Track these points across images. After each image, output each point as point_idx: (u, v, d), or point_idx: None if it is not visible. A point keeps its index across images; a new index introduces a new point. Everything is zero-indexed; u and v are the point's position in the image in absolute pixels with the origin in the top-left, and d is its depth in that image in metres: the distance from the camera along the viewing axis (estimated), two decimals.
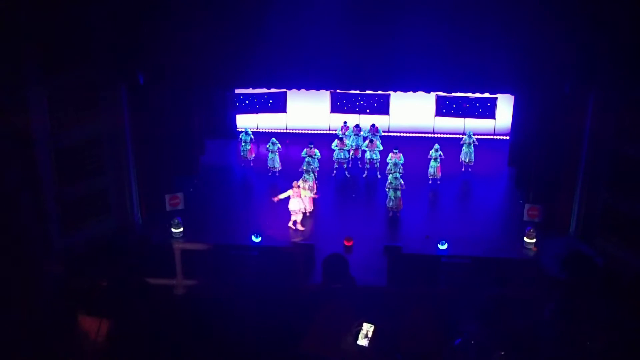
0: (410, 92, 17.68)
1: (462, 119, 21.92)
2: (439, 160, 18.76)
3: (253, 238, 15.46)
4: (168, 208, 17.06)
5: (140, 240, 15.22)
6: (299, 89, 18.50)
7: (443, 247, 15.29)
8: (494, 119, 21.89)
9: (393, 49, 14.93)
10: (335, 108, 22.46)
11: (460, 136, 20.35)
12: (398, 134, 21.96)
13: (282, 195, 16.39)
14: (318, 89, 18.86)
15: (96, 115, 15.33)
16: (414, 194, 17.85)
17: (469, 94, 19.39)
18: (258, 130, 21.87)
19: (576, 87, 14.87)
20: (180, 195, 17.35)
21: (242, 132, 20.47)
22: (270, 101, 22.39)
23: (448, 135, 21.51)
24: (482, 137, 20.87)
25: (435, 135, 21.67)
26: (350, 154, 19.84)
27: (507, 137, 20.87)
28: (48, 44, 13.87)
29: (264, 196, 18.42)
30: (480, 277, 12.65)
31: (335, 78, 15.84)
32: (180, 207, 17.16)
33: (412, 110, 21.96)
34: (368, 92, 21.02)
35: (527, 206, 16.75)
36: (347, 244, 15.59)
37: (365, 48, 15.03)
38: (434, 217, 17.77)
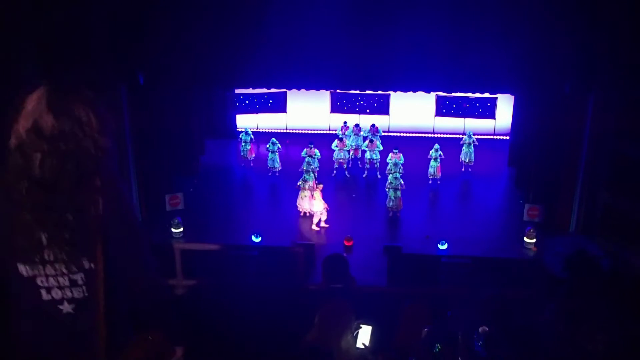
0: (410, 92, 17.68)
1: (462, 119, 21.93)
2: (439, 160, 18.75)
3: (253, 238, 15.45)
4: (168, 208, 17.05)
5: None
6: (299, 89, 18.50)
7: (443, 247, 15.28)
8: (494, 119, 21.89)
9: (393, 49, 14.93)
10: (335, 108, 22.46)
11: (460, 136, 20.34)
12: (398, 134, 21.96)
13: (301, 199, 16.57)
14: (318, 89, 18.85)
15: None
16: (414, 194, 17.85)
17: (469, 94, 19.39)
18: (258, 130, 21.87)
19: (576, 87, 14.86)
20: (180, 195, 17.34)
21: (242, 132, 20.47)
22: (270, 101, 22.39)
23: (448, 135, 21.51)
24: (482, 137, 20.87)
25: (435, 135, 21.67)
26: (350, 154, 19.83)
27: (507, 137, 20.87)
28: (48, 44, 13.85)
29: (264, 196, 18.41)
30: (480, 277, 12.64)
31: (335, 78, 15.84)
32: (180, 207, 17.16)
33: (412, 110, 21.96)
34: (368, 92, 21.02)
35: (527, 206, 16.74)
36: (347, 244, 15.58)
37: (365, 48, 15.03)
38: (434, 217, 17.77)
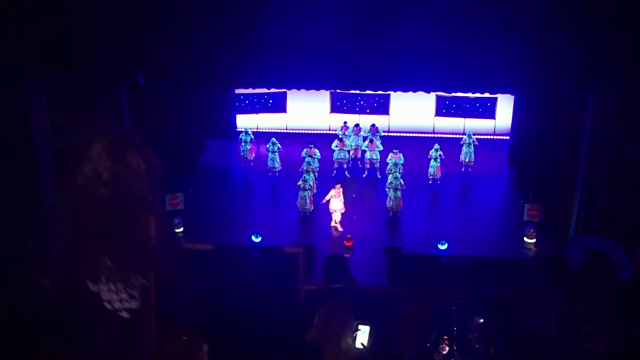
0: (410, 92, 17.67)
1: (462, 119, 21.93)
2: (439, 160, 18.76)
3: (253, 238, 15.46)
4: (168, 208, 17.05)
5: None
6: (299, 89, 18.49)
7: (443, 247, 15.29)
8: (494, 119, 21.90)
9: (393, 49, 14.92)
10: (335, 108, 22.46)
11: (460, 136, 20.35)
12: (398, 134, 21.97)
13: (328, 197, 16.56)
14: (318, 89, 18.86)
15: (96, 115, 15.31)
16: (414, 194, 17.86)
17: (469, 94, 19.39)
18: (258, 130, 21.88)
19: (576, 87, 14.86)
20: (180, 195, 17.34)
21: (242, 132, 20.47)
22: (270, 101, 22.40)
23: (448, 135, 21.52)
24: (482, 137, 20.88)
25: (435, 135, 21.68)
26: (350, 154, 19.83)
27: (507, 137, 20.88)
28: (48, 44, 13.85)
29: (264, 196, 18.41)
30: (480, 277, 12.64)
31: (335, 78, 15.83)
32: (180, 207, 17.16)
33: (412, 110, 21.97)
34: (368, 92, 21.03)
35: (527, 206, 16.75)
36: (347, 244, 15.59)
37: (365, 48, 15.02)
38: (434, 217, 17.78)
